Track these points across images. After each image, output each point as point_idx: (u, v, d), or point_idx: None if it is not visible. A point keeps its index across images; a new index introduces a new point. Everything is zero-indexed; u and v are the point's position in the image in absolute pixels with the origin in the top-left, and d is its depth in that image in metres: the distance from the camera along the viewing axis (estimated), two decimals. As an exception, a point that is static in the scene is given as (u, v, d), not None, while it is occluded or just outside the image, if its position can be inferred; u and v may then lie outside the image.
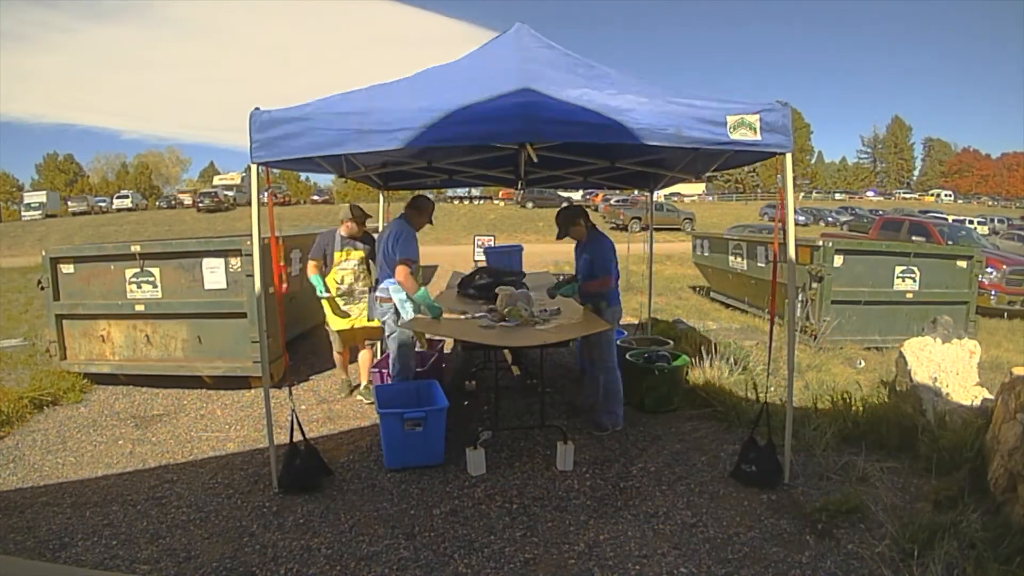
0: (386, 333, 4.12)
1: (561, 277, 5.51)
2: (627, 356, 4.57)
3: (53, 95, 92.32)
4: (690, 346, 5.51)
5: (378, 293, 4.07)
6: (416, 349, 4.35)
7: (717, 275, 9.33)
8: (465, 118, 2.74)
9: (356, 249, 4.64)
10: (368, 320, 4.56)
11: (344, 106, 2.89)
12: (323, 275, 4.55)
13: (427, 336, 4.87)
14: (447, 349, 5.64)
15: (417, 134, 2.78)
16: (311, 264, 4.55)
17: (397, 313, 3.97)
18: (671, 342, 5.11)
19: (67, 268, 5.07)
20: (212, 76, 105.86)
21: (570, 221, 4.13)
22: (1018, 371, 2.99)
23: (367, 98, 2.96)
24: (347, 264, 4.61)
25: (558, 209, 4.33)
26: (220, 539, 2.82)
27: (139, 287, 4.94)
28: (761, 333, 6.98)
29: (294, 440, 3.27)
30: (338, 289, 4.58)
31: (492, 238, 9.95)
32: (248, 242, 4.58)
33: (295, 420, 3.28)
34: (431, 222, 4.23)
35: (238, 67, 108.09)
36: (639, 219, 25.58)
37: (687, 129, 2.81)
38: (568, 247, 4.63)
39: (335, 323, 4.67)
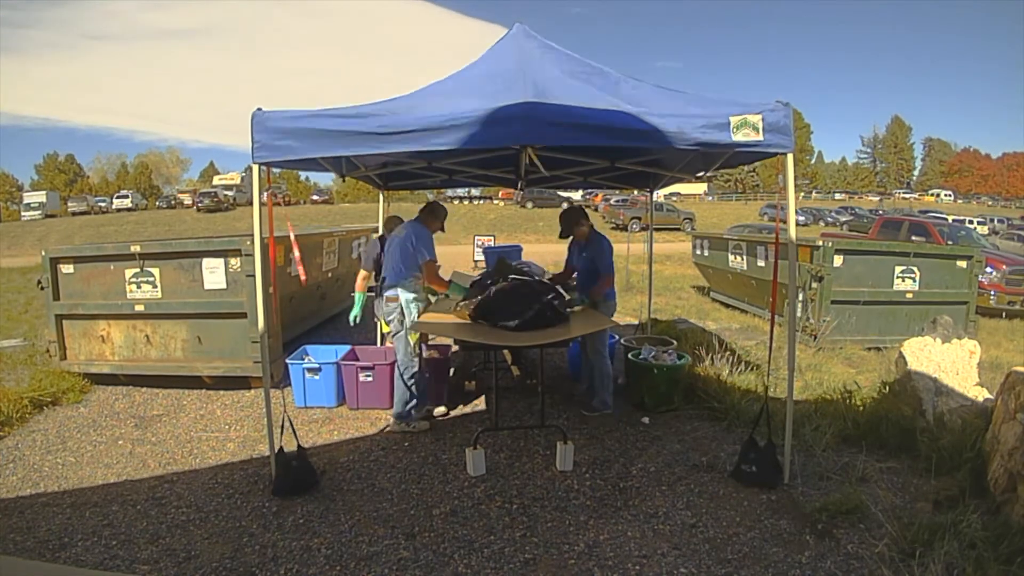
0: (391, 333, 4.13)
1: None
2: (628, 355, 4.60)
3: (65, 98, 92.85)
4: (691, 346, 5.51)
5: (387, 293, 4.05)
6: (424, 354, 4.35)
7: (717, 275, 9.33)
8: (467, 122, 2.74)
9: None
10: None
11: (345, 110, 2.91)
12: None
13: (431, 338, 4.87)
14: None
15: (420, 138, 2.79)
16: (362, 277, 4.74)
17: (403, 313, 4.00)
18: (675, 342, 5.13)
19: (67, 268, 5.06)
20: (230, 80, 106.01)
21: (574, 222, 4.30)
22: (1018, 371, 2.99)
23: (368, 106, 2.97)
24: None
25: (562, 210, 4.49)
26: (220, 539, 2.82)
27: (139, 287, 4.94)
28: (761, 333, 6.98)
29: (283, 448, 3.25)
30: None
31: (492, 238, 9.94)
32: (248, 242, 4.58)
33: (289, 426, 3.27)
34: (443, 229, 4.32)
35: (260, 70, 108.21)
36: (639, 219, 25.59)
37: (689, 130, 2.81)
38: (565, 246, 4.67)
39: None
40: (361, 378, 4.52)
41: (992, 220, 30.26)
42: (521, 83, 2.95)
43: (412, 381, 4.01)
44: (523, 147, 3.51)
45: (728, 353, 5.10)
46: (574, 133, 2.77)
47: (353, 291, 4.82)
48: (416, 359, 4.04)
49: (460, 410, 4.55)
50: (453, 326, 3.68)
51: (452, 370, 4.91)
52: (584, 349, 4.51)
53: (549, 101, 2.76)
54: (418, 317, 3.96)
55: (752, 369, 5.03)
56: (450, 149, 2.85)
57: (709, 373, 4.82)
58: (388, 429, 4.13)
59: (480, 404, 4.66)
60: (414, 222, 4.15)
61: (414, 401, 4.06)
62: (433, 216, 4.22)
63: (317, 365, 4.57)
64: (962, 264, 6.77)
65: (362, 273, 4.81)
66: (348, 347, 4.96)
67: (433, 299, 4.42)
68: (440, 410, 4.43)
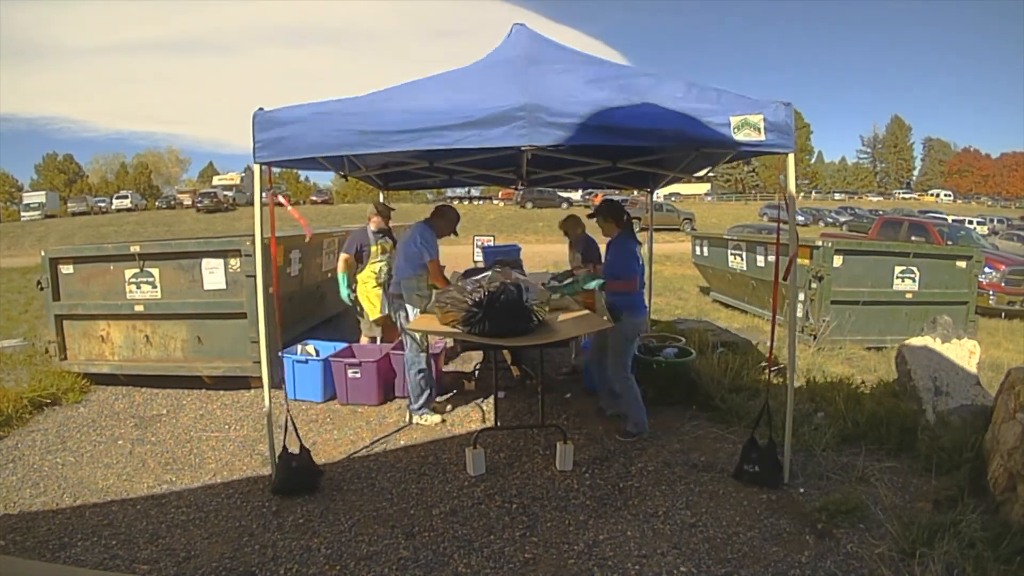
0: (400, 329, 4.31)
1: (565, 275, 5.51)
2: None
3: (65, 99, 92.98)
4: (692, 345, 5.50)
5: (392, 291, 4.24)
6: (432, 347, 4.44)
7: (717, 275, 9.32)
8: (467, 121, 2.74)
9: (388, 242, 5.14)
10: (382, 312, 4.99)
11: (346, 107, 2.89)
12: (354, 272, 5.06)
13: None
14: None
15: (419, 137, 2.79)
16: (343, 259, 5.03)
17: (408, 311, 4.13)
18: (683, 339, 5.18)
19: (67, 268, 5.06)
20: (229, 81, 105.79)
21: (606, 214, 3.99)
22: (1018, 370, 2.99)
23: (369, 102, 2.97)
24: (383, 256, 5.11)
25: (602, 200, 4.57)
26: (220, 539, 2.82)
27: (138, 287, 4.94)
28: (761, 333, 6.98)
29: (287, 446, 3.25)
30: (377, 279, 5.11)
31: (491, 238, 9.92)
32: (248, 242, 4.58)
33: (291, 426, 3.27)
34: (456, 233, 4.41)
35: (262, 71, 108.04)
36: (639, 219, 25.53)
37: (691, 130, 2.81)
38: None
39: (374, 313, 5.11)
40: (349, 374, 4.56)
41: (992, 220, 30.26)
42: (520, 82, 2.94)
43: (420, 376, 4.13)
44: (524, 147, 3.51)
45: (729, 352, 5.11)
46: (573, 133, 2.77)
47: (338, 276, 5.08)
48: (423, 354, 4.13)
49: (460, 410, 4.54)
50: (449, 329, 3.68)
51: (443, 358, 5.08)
52: (600, 374, 4.23)
53: (549, 100, 2.75)
54: (419, 314, 4.01)
55: (752, 368, 5.03)
56: (451, 149, 2.84)
57: (710, 372, 4.81)
58: (406, 426, 4.19)
59: (480, 404, 4.66)
60: (421, 223, 4.23)
61: (427, 393, 4.20)
62: (442, 219, 4.30)
63: (305, 358, 4.69)
64: (962, 264, 6.76)
65: (343, 256, 5.07)
66: (345, 344, 5.06)
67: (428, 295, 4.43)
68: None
